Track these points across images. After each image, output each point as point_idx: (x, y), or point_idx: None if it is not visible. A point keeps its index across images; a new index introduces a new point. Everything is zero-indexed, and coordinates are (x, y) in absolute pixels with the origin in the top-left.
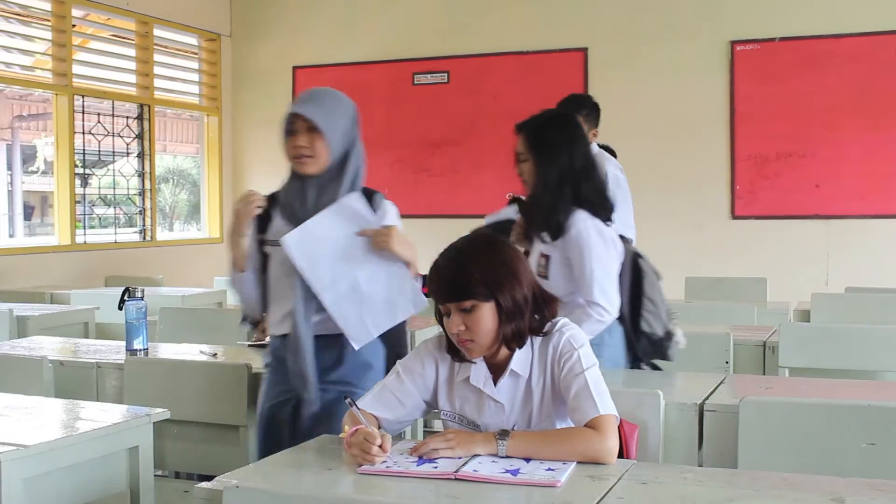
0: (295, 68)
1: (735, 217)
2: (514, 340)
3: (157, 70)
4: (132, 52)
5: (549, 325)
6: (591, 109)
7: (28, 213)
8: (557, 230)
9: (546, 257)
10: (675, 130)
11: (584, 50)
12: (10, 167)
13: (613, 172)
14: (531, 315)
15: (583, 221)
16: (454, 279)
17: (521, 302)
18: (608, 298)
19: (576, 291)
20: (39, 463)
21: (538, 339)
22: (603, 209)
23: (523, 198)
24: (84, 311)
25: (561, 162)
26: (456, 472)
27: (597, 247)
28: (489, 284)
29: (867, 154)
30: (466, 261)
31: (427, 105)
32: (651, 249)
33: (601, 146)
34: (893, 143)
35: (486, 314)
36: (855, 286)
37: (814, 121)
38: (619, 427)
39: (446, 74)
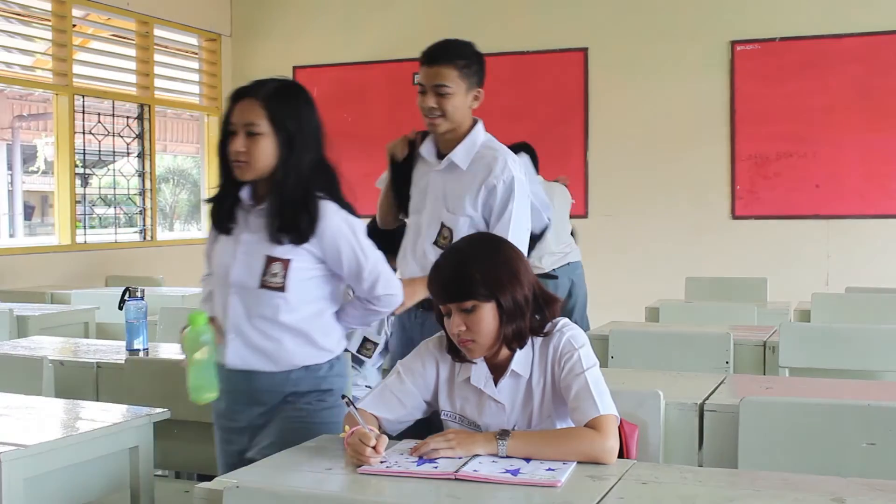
0: (295, 68)
1: (735, 217)
2: (514, 341)
3: (157, 70)
4: (132, 52)
5: (549, 325)
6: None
7: (28, 213)
8: None
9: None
10: (676, 131)
11: (584, 50)
12: (10, 167)
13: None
14: (532, 315)
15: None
16: (455, 280)
17: (521, 302)
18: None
19: None
20: (39, 463)
21: (538, 340)
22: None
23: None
24: (84, 311)
25: None
26: (456, 472)
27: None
28: (490, 285)
29: (867, 154)
30: (467, 261)
31: None
32: (651, 249)
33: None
34: (893, 143)
35: (487, 314)
36: (855, 286)
37: (814, 121)
38: (619, 427)
39: None
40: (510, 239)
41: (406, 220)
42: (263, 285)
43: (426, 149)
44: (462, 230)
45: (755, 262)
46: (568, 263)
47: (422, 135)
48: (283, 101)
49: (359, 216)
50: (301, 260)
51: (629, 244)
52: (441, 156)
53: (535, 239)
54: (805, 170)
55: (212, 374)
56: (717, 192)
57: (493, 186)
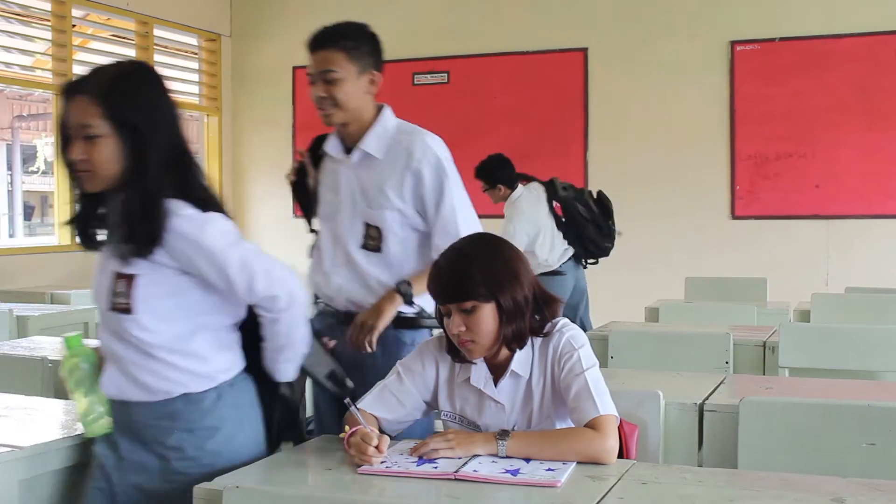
0: (295, 68)
1: (735, 217)
2: (514, 341)
3: (157, 70)
4: (132, 52)
5: (549, 325)
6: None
7: (28, 213)
8: None
9: None
10: (675, 131)
11: (584, 50)
12: (10, 167)
13: None
14: (531, 316)
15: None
16: (455, 280)
17: (521, 302)
18: None
19: None
20: (34, 464)
21: (538, 340)
22: None
23: None
24: (84, 311)
25: None
26: (456, 472)
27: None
28: (490, 285)
29: (867, 154)
30: (467, 261)
31: (427, 105)
32: (651, 249)
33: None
34: (893, 143)
35: (487, 315)
36: (855, 286)
37: (814, 121)
38: (619, 427)
39: (446, 74)
40: (462, 232)
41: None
42: (112, 307)
43: (332, 146)
44: (393, 227)
45: (755, 262)
46: (570, 259)
47: (318, 140)
48: (122, 91)
49: (223, 210)
50: (154, 274)
51: (629, 244)
52: (350, 151)
53: None
54: (805, 170)
55: (99, 403)
56: (717, 192)
57: (419, 171)
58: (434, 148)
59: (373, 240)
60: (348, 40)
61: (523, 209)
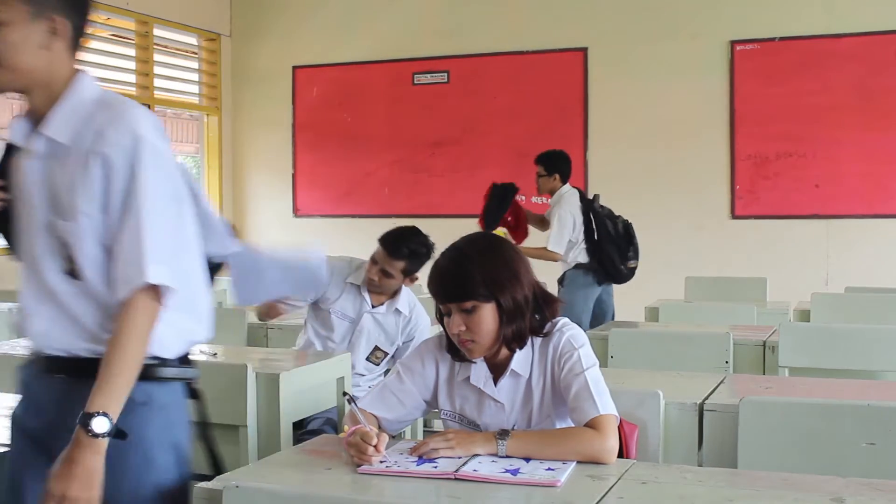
0: (295, 68)
1: (735, 217)
2: (514, 341)
3: (156, 70)
4: (132, 51)
5: (549, 325)
6: None
7: None
8: None
9: None
10: (675, 130)
11: (584, 50)
12: None
13: None
14: (532, 315)
15: None
16: (455, 280)
17: (521, 303)
18: None
19: None
20: None
21: (538, 339)
22: None
23: None
24: None
25: None
26: (456, 471)
27: None
28: (490, 285)
29: (867, 154)
30: (467, 261)
31: (427, 105)
32: (651, 249)
33: None
34: (893, 143)
35: (487, 315)
36: (855, 286)
37: (814, 121)
38: (619, 427)
39: (446, 74)
40: (148, 259)
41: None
42: None
43: (15, 129)
44: (86, 244)
45: (755, 261)
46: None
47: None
48: None
49: None
50: None
51: None
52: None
53: (214, 269)
54: (805, 170)
55: None
56: (717, 192)
57: (107, 157)
58: (136, 127)
59: (70, 262)
60: None
61: (574, 202)
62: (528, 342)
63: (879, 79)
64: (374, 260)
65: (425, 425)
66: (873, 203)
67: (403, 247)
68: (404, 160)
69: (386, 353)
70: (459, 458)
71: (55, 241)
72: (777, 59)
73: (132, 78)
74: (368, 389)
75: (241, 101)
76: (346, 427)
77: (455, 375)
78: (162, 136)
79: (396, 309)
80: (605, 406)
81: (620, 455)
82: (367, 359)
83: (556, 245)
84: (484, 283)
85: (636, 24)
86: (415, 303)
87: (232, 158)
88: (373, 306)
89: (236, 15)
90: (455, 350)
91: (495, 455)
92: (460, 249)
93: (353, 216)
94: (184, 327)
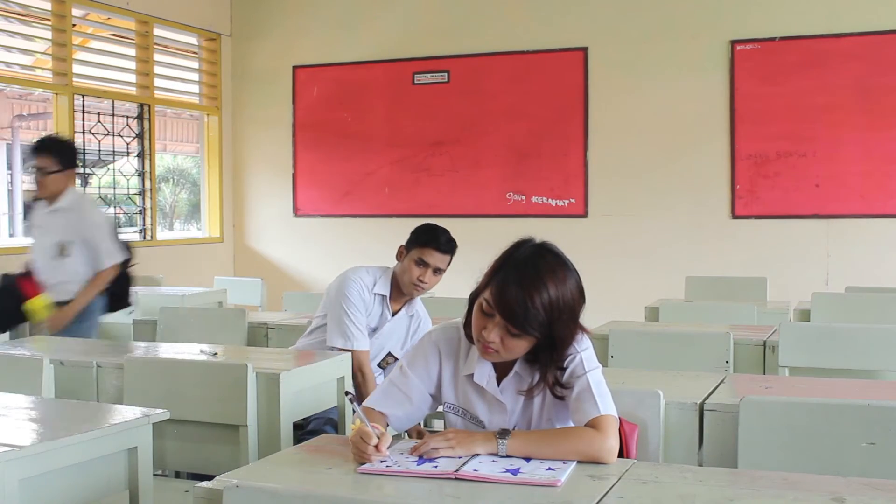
0: (295, 68)
1: (735, 217)
2: (529, 361)
3: (157, 69)
4: (132, 51)
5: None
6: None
7: (28, 212)
8: None
9: None
10: (675, 130)
11: (584, 50)
12: (10, 167)
13: None
14: (561, 352)
15: None
16: (521, 308)
17: (559, 345)
18: None
19: None
20: (35, 464)
21: None
22: None
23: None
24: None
25: None
26: (456, 471)
27: None
28: (546, 327)
29: (867, 154)
30: (539, 296)
31: (427, 105)
32: (651, 249)
33: None
34: (893, 143)
35: (526, 342)
36: (855, 286)
37: (814, 120)
38: (619, 427)
39: (446, 74)
40: None
41: None
42: None
43: None
44: None
45: (755, 261)
46: None
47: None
48: None
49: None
50: None
51: (629, 244)
52: None
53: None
54: (805, 169)
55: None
56: (717, 192)
57: None
58: None
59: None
60: None
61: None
62: None
63: (880, 78)
64: (421, 262)
65: (425, 425)
66: (873, 203)
67: (451, 240)
68: (404, 160)
69: (396, 359)
70: (460, 457)
71: None
72: (777, 58)
73: (132, 78)
74: None
75: (241, 101)
76: (353, 425)
77: (459, 371)
78: None
79: (412, 314)
80: (606, 407)
81: (621, 455)
82: (379, 364)
83: (112, 257)
84: (541, 325)
85: (636, 23)
86: (419, 303)
87: (232, 158)
88: (392, 314)
89: (236, 15)
90: (471, 335)
91: (495, 455)
92: (536, 269)
93: (354, 216)
94: None
